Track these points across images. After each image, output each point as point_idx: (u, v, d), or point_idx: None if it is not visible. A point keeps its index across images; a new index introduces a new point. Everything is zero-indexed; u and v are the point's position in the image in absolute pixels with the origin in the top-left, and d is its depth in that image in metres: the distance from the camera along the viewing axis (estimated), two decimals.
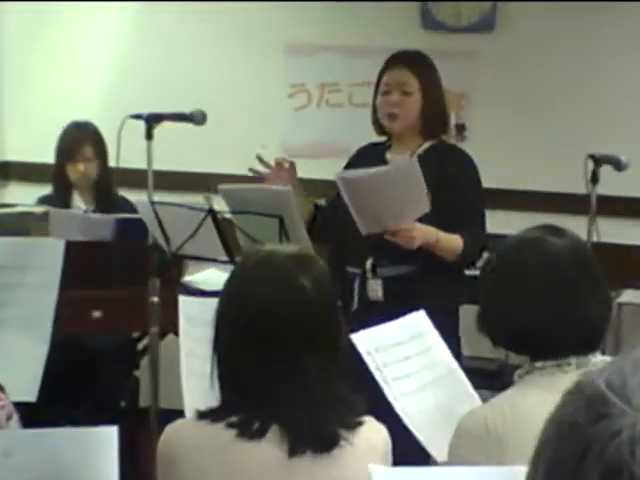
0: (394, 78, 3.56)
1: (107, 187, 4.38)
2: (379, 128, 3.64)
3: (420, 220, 3.33)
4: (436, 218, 3.34)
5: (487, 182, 4.84)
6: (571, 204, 4.42)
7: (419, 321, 2.53)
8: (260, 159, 3.62)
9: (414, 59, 3.62)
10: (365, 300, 3.45)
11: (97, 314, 3.85)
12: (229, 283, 2.04)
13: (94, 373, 4.25)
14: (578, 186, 3.84)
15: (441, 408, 2.38)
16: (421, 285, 3.36)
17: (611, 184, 4.01)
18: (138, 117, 3.58)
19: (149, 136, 3.55)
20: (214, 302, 2.05)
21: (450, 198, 3.38)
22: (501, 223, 4.40)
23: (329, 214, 3.61)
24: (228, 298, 2.02)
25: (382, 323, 2.49)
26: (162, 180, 3.82)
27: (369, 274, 3.47)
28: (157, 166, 3.57)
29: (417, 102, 3.54)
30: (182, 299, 2.63)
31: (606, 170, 3.82)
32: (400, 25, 4.96)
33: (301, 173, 4.42)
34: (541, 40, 4.86)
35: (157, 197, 3.55)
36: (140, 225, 3.55)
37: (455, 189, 3.42)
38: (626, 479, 0.80)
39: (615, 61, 4.79)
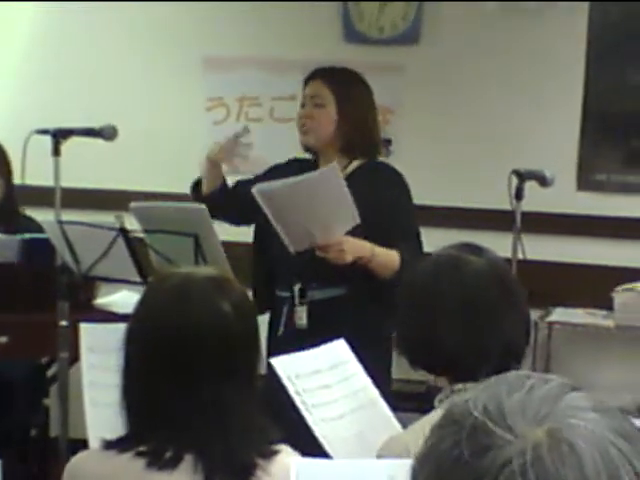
0: (308, 91, 3.51)
1: (11, 206, 4.24)
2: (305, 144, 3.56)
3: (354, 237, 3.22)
4: (371, 238, 3.23)
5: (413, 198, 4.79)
6: (496, 221, 4.35)
7: (339, 350, 2.49)
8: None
9: (332, 73, 3.52)
10: (291, 326, 3.33)
11: (3, 339, 3.78)
12: (141, 307, 1.94)
13: (2, 401, 4.14)
14: (503, 202, 3.76)
15: (361, 436, 2.34)
16: (349, 311, 3.28)
17: (536, 200, 3.96)
18: (45, 132, 3.51)
19: (56, 152, 3.47)
20: (118, 328, 1.95)
21: (383, 217, 3.28)
22: (424, 240, 4.32)
23: (236, 195, 3.48)
24: (140, 324, 1.92)
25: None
26: (70, 198, 3.75)
27: (297, 299, 3.34)
28: (65, 183, 3.50)
29: (330, 115, 3.43)
30: (83, 326, 2.54)
31: (531, 186, 3.76)
32: (322, 38, 4.88)
33: None
34: (467, 53, 4.80)
35: (65, 216, 3.47)
36: (47, 246, 3.46)
37: (389, 207, 3.33)
38: None
39: (543, 78, 4.74)
